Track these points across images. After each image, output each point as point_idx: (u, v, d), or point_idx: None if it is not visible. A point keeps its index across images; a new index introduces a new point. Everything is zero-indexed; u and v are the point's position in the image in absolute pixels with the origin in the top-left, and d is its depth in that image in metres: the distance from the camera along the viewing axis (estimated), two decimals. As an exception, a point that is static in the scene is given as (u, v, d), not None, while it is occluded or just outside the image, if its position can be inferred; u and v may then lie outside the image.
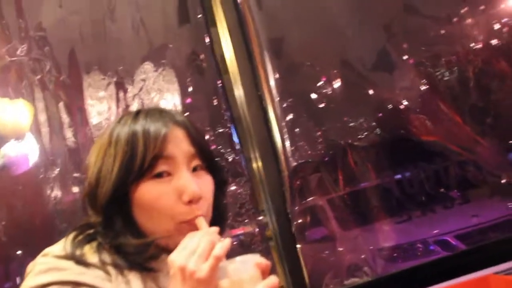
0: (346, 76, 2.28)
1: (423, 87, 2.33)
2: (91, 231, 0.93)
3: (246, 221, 2.13)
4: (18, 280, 1.94)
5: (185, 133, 0.94)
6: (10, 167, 1.95)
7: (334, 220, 2.28)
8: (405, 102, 2.31)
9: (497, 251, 1.95)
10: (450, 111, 2.33)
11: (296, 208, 2.12)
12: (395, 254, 2.43)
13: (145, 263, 0.89)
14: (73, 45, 2.07)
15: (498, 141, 2.31)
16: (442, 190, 2.32)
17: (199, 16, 2.19)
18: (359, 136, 2.24)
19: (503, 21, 2.37)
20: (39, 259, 0.88)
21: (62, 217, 1.96)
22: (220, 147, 2.13)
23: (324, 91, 2.26)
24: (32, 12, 2.05)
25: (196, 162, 0.94)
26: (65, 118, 2.01)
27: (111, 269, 0.86)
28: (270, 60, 2.14)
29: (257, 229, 2.11)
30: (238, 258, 0.83)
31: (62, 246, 0.89)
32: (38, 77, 2.01)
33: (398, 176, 2.32)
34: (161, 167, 0.90)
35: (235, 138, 2.13)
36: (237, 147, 2.13)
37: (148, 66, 2.10)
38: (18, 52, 2.02)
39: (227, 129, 2.15)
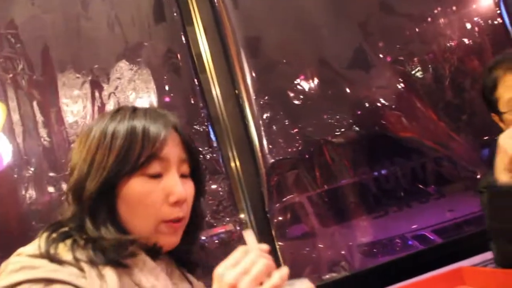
0: (323, 74, 2.31)
1: (398, 85, 2.36)
2: (65, 229, 0.93)
3: (227, 219, 2.14)
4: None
5: (180, 138, 0.98)
6: (-17, 168, 1.93)
7: (312, 217, 2.29)
8: (381, 100, 2.34)
9: (470, 245, 1.98)
10: (425, 108, 2.37)
11: (277, 205, 2.13)
12: (374, 250, 2.46)
13: (122, 259, 0.89)
14: (46, 43, 2.05)
15: (473, 137, 2.36)
16: (418, 185, 2.35)
17: (175, 14, 2.18)
18: (336, 133, 2.26)
19: (474, 20, 2.42)
20: (12, 258, 0.87)
21: (38, 217, 1.94)
22: (197, 145, 2.14)
23: (300, 88, 2.27)
24: (4, 9, 2.03)
25: (185, 168, 0.98)
26: (39, 117, 1.99)
27: (85, 265, 0.86)
28: (247, 59, 2.14)
29: (238, 227, 2.12)
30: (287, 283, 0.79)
31: (36, 245, 0.88)
32: (11, 75, 1.99)
33: (375, 173, 2.35)
34: (155, 167, 0.92)
35: (213, 137, 2.14)
36: (215, 145, 2.13)
37: (123, 64, 2.09)
38: (-12, 50, 2.00)
39: (204, 127, 2.16)
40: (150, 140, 0.91)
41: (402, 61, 2.41)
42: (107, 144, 0.92)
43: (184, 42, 2.16)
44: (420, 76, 2.40)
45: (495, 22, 2.42)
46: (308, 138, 2.24)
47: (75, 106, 2.04)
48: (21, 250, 0.89)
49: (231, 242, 2.13)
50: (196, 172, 1.01)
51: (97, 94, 2.07)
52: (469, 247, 1.94)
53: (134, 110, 0.97)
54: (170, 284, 0.95)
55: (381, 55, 2.40)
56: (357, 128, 2.32)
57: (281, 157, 2.15)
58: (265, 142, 2.12)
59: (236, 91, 2.10)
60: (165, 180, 0.93)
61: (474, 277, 1.46)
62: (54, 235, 0.91)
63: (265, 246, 0.82)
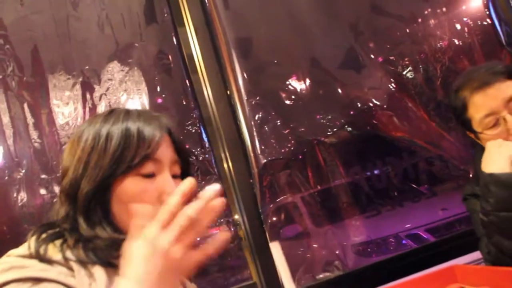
0: (314, 74, 2.31)
1: (390, 85, 2.37)
2: (55, 229, 0.94)
3: (221, 220, 2.13)
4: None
5: (172, 140, 1.02)
6: (-26, 170, 1.91)
7: (306, 217, 2.29)
8: (373, 100, 2.35)
9: (463, 243, 1.99)
10: (417, 108, 2.38)
11: (271, 206, 2.13)
12: (369, 249, 2.47)
13: (113, 259, 0.89)
14: (36, 44, 2.04)
15: (464, 136, 2.37)
16: (410, 184, 2.36)
17: (166, 15, 2.18)
18: (328, 133, 2.27)
19: (464, 21, 2.44)
20: (2, 259, 0.88)
21: (30, 220, 1.92)
22: (190, 146, 2.13)
23: (292, 89, 2.28)
24: (-8, 9, 2.02)
25: (177, 169, 1.01)
26: (30, 119, 1.98)
27: (74, 265, 0.87)
28: (238, 59, 2.14)
29: (232, 229, 2.11)
30: None
31: (26, 246, 0.89)
32: (0, 77, 1.97)
33: (367, 172, 2.36)
34: (149, 168, 0.95)
35: (205, 137, 2.13)
36: (207, 145, 2.13)
37: (114, 65, 2.08)
38: (-23, 51, 1.99)
39: (196, 128, 2.15)
40: (145, 142, 0.95)
41: (393, 62, 2.42)
42: (102, 145, 0.95)
43: (175, 43, 2.16)
44: (411, 76, 2.42)
45: (484, 23, 2.44)
46: (300, 138, 2.25)
47: (66, 108, 2.03)
48: (12, 251, 0.90)
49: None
50: (187, 173, 1.04)
51: (88, 95, 2.06)
52: (462, 246, 1.95)
53: (127, 112, 1.00)
54: None
55: (372, 56, 2.41)
56: (349, 128, 2.33)
57: (273, 158, 2.16)
58: (257, 142, 2.12)
59: (228, 92, 2.10)
60: (158, 180, 0.96)
61: (466, 275, 1.47)
62: (43, 235, 0.92)
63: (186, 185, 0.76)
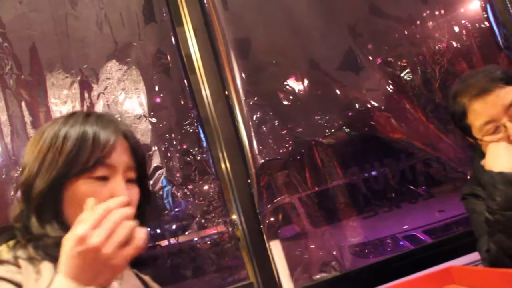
0: (312, 75, 2.32)
1: (388, 87, 2.38)
2: (10, 231, 0.97)
3: (218, 220, 2.14)
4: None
5: (129, 145, 1.03)
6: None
7: (303, 218, 2.30)
8: (371, 101, 2.36)
9: (460, 244, 1.99)
10: (415, 110, 2.39)
11: (269, 206, 2.13)
12: (366, 250, 2.47)
13: None
14: (35, 42, 2.04)
15: (462, 139, 2.37)
16: (407, 186, 2.37)
17: (165, 15, 2.19)
18: (326, 134, 2.27)
19: (462, 23, 2.45)
20: None
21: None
22: (187, 146, 2.13)
23: (290, 89, 2.28)
24: (-10, 7, 2.02)
25: (131, 174, 1.02)
26: (28, 118, 1.98)
27: (22, 262, 0.90)
28: (236, 60, 2.15)
29: (230, 229, 2.12)
30: None
31: None
32: (-2, 74, 1.98)
33: (365, 173, 2.36)
34: (101, 171, 0.97)
35: (203, 137, 2.13)
36: (205, 145, 2.13)
37: (113, 64, 2.08)
38: (-24, 49, 1.99)
39: (194, 128, 2.15)
40: (99, 146, 0.96)
41: (391, 63, 2.43)
42: (58, 146, 0.96)
43: (174, 42, 2.16)
44: (409, 78, 2.42)
45: (482, 26, 2.45)
46: (298, 139, 2.25)
47: (64, 107, 2.03)
48: None
49: (223, 243, 2.12)
50: (142, 179, 1.05)
51: (86, 94, 2.07)
52: (459, 247, 1.95)
53: (87, 116, 1.02)
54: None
55: (370, 57, 2.42)
56: (347, 129, 2.33)
57: (271, 158, 2.16)
58: (255, 143, 2.12)
59: (226, 92, 2.10)
60: (110, 183, 0.97)
61: (463, 276, 1.47)
62: None
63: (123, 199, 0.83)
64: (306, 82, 2.30)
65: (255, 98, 2.17)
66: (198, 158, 2.14)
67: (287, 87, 2.29)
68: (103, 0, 2.15)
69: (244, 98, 2.13)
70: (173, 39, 2.16)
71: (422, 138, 2.38)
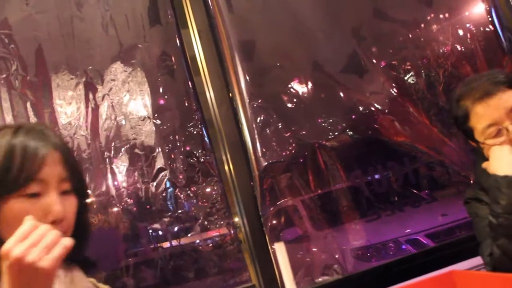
0: (316, 78, 2.32)
1: (392, 90, 2.38)
2: None
3: (221, 222, 2.14)
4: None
5: (61, 157, 0.98)
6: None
7: (306, 221, 2.30)
8: (375, 104, 2.36)
9: (463, 249, 1.99)
10: (418, 113, 2.39)
11: (271, 208, 2.13)
12: (368, 254, 2.47)
13: None
14: (40, 43, 2.05)
15: (465, 142, 2.37)
16: (410, 189, 2.37)
17: (170, 17, 2.19)
18: (329, 137, 2.27)
19: (466, 27, 2.45)
20: None
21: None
22: (191, 148, 2.14)
23: (294, 92, 2.28)
24: (-3, 8, 2.03)
25: (66, 186, 0.98)
26: (33, 118, 1.99)
27: None
28: (241, 62, 2.15)
29: (232, 231, 2.12)
30: None
31: None
32: (4, 76, 1.98)
33: (368, 177, 2.36)
34: (33, 188, 0.93)
35: (206, 139, 2.14)
36: (209, 147, 2.13)
37: (118, 66, 2.09)
38: (-18, 50, 2.00)
39: (198, 130, 2.16)
40: (28, 161, 0.92)
41: (395, 66, 2.43)
42: None
43: (179, 44, 2.17)
44: (413, 82, 2.42)
45: (487, 29, 2.45)
46: (301, 141, 2.25)
47: (68, 108, 2.04)
48: None
49: (226, 245, 2.13)
50: (78, 188, 1.02)
51: (91, 95, 2.07)
52: (462, 251, 1.95)
53: (17, 129, 0.98)
54: None
55: (374, 60, 2.42)
56: (350, 132, 2.33)
57: (274, 161, 2.16)
58: (258, 145, 2.13)
59: (230, 94, 2.10)
60: (43, 199, 0.94)
61: (465, 280, 1.47)
62: None
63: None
64: (310, 85, 2.30)
65: (259, 101, 2.18)
66: (202, 160, 2.14)
67: (291, 89, 2.29)
68: (109, 2, 2.16)
69: (248, 100, 2.14)
70: (178, 41, 2.17)
71: (426, 141, 2.38)
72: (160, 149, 2.15)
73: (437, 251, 2.08)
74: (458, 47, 2.45)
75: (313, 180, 2.25)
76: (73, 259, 1.03)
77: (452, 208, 2.45)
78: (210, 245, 2.21)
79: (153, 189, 2.13)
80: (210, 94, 2.08)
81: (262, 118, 2.18)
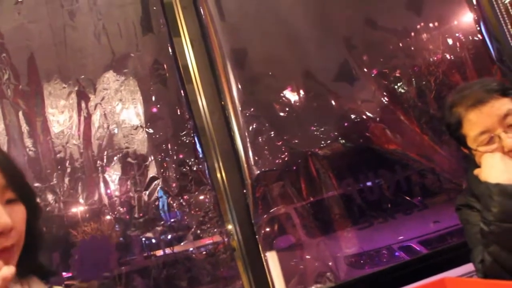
0: (308, 86, 2.33)
1: (383, 98, 2.40)
2: None
3: (214, 230, 2.14)
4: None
5: None
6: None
7: (299, 228, 2.30)
8: (366, 112, 2.37)
9: (454, 255, 2.00)
10: (409, 121, 2.40)
11: (265, 216, 2.13)
12: (361, 261, 2.47)
13: None
14: (33, 52, 2.05)
15: (457, 150, 2.39)
16: (402, 197, 2.38)
17: (162, 26, 2.20)
18: (321, 145, 2.28)
19: (456, 36, 2.48)
20: None
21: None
22: (184, 156, 2.14)
23: (286, 101, 2.29)
24: (-11, 18, 2.03)
25: (9, 194, 0.94)
26: (25, 127, 1.98)
27: None
28: (233, 71, 2.16)
29: (226, 239, 2.12)
30: None
31: None
32: (-4, 84, 1.98)
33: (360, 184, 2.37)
34: None
35: (199, 148, 2.14)
36: (201, 156, 2.14)
37: (110, 75, 2.09)
38: (-26, 59, 1.99)
39: (190, 139, 2.16)
40: None
41: (386, 75, 2.45)
42: None
43: (171, 53, 2.18)
44: (404, 90, 2.44)
45: (476, 38, 2.48)
46: (293, 150, 2.26)
47: (61, 116, 2.03)
48: None
49: (218, 253, 2.12)
50: (22, 194, 0.97)
51: (83, 104, 2.07)
52: (454, 258, 1.96)
53: None
54: None
55: (365, 69, 2.44)
56: (342, 141, 2.34)
57: (266, 169, 2.16)
58: (250, 153, 2.13)
59: (222, 103, 2.11)
60: None
61: (457, 287, 1.47)
62: None
63: None
64: (302, 93, 2.32)
65: (251, 109, 2.18)
66: (194, 168, 2.14)
67: (283, 98, 2.30)
68: (101, 11, 2.16)
69: (240, 109, 2.14)
70: (170, 50, 2.18)
71: (417, 149, 2.39)
72: (152, 158, 2.15)
73: (429, 258, 2.09)
74: (448, 56, 2.47)
75: (306, 188, 2.25)
76: (29, 269, 1.00)
77: (444, 215, 2.47)
78: (203, 253, 2.20)
79: (145, 197, 2.12)
80: (202, 102, 2.09)
81: (254, 126, 2.19)
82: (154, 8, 2.24)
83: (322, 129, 2.30)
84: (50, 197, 1.95)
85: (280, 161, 2.23)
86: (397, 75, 2.45)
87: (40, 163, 1.98)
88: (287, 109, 2.29)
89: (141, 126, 2.15)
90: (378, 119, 2.37)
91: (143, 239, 2.18)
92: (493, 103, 1.39)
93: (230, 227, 2.06)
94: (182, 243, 2.17)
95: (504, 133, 1.37)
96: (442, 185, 2.37)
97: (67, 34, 2.09)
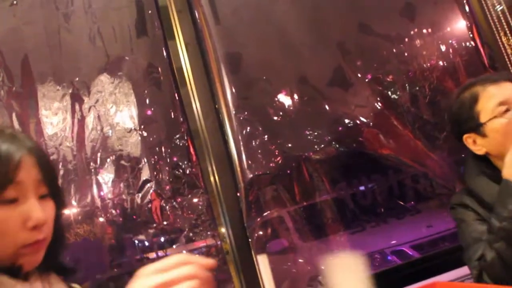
0: (302, 91, 2.34)
1: (376, 103, 2.41)
2: None
3: (207, 233, 2.14)
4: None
5: (35, 160, 0.94)
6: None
7: (292, 232, 2.30)
8: (360, 117, 2.38)
9: (447, 259, 2.01)
10: (403, 126, 2.42)
11: (258, 220, 2.14)
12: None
13: None
14: (27, 54, 2.05)
15: (449, 155, 2.41)
16: (395, 201, 2.39)
17: (157, 29, 2.21)
18: (315, 150, 2.29)
19: (449, 42, 2.50)
20: None
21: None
22: (177, 159, 2.14)
23: (280, 105, 2.30)
24: (-17, 20, 2.03)
25: (43, 190, 0.95)
26: (18, 129, 1.98)
27: None
28: (227, 74, 2.17)
29: (219, 242, 2.12)
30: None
31: None
32: (-11, 86, 1.98)
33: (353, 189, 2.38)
34: (10, 193, 0.89)
35: (192, 151, 2.15)
36: (194, 159, 2.14)
37: (104, 78, 2.10)
38: (-33, 61, 1.99)
39: (184, 142, 2.16)
40: (3, 166, 0.88)
41: (380, 80, 2.46)
42: None
43: (165, 56, 2.19)
44: (398, 95, 2.45)
45: (468, 45, 2.50)
46: (287, 154, 2.26)
47: (54, 118, 2.03)
48: None
49: (210, 256, 2.12)
50: (55, 192, 0.99)
51: (77, 106, 2.07)
52: (447, 262, 1.97)
53: None
54: None
55: (359, 74, 2.45)
56: (336, 145, 2.35)
57: (260, 173, 2.17)
58: (244, 157, 2.14)
59: (216, 106, 2.12)
60: (22, 205, 0.90)
61: (448, 291, 1.48)
62: None
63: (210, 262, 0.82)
64: (296, 98, 2.32)
65: (245, 113, 2.19)
66: (188, 171, 2.15)
67: (277, 102, 2.31)
68: (96, 14, 2.17)
69: (234, 112, 2.15)
70: (164, 53, 2.19)
71: (410, 154, 2.40)
72: (146, 161, 2.15)
73: (422, 262, 2.10)
74: (441, 62, 2.49)
75: (299, 192, 2.26)
76: (50, 266, 1.01)
77: (436, 220, 2.47)
78: (196, 255, 2.19)
79: (138, 200, 2.12)
80: (196, 105, 2.10)
81: (248, 130, 2.19)
82: (149, 11, 2.25)
83: (316, 133, 2.30)
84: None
85: (274, 165, 2.23)
86: (391, 80, 2.46)
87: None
88: (281, 113, 2.30)
89: (134, 129, 2.16)
90: (371, 124, 2.38)
91: (136, 241, 2.18)
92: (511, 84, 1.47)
93: (223, 230, 2.06)
94: (174, 246, 2.17)
95: None
96: (435, 190, 2.38)
97: (62, 36, 2.09)
